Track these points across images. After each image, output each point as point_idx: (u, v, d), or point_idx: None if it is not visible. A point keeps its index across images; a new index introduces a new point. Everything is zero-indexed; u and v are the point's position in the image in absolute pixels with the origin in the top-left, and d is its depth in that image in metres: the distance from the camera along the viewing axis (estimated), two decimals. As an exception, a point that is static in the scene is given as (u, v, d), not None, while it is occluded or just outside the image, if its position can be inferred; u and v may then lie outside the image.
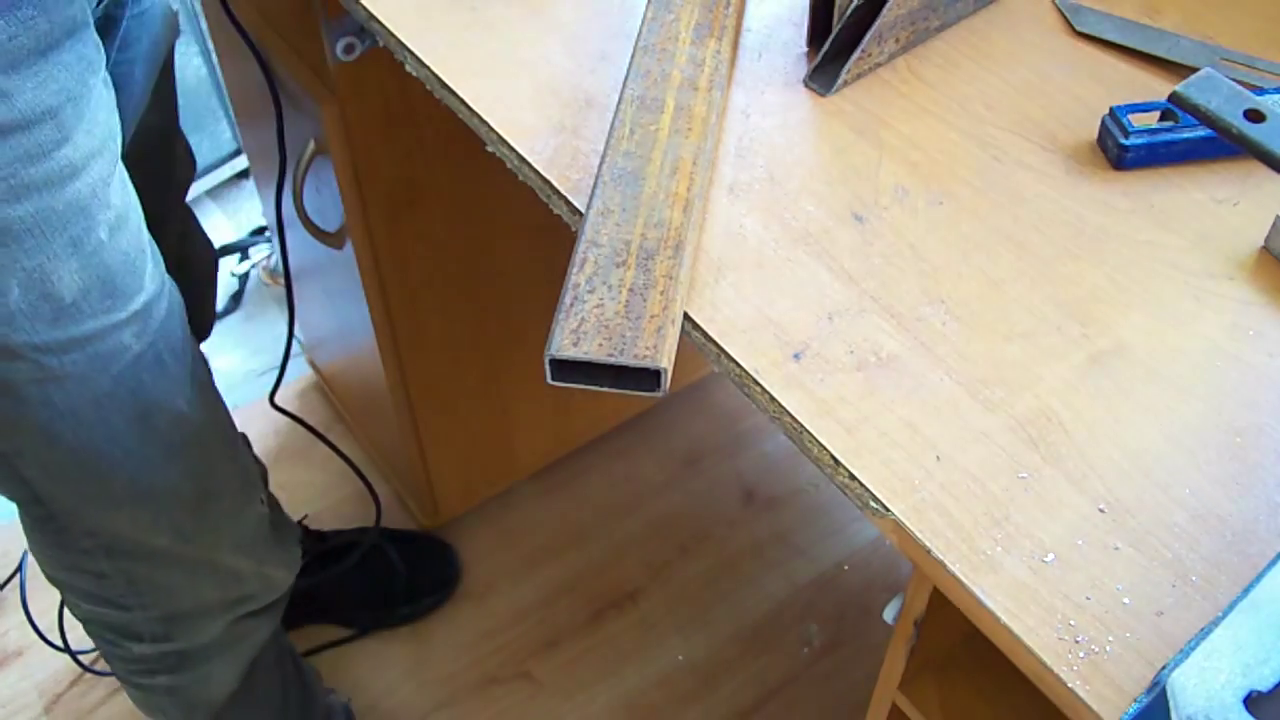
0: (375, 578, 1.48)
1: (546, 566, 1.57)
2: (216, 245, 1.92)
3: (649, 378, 0.64)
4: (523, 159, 0.77)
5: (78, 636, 1.38)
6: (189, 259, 1.00)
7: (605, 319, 0.64)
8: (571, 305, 0.65)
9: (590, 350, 0.63)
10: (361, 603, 1.47)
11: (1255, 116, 0.73)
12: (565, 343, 0.64)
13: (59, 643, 1.37)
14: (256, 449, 1.66)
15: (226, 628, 0.91)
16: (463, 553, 1.58)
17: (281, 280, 1.89)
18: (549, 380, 0.65)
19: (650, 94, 0.77)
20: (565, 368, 0.65)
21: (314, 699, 1.21)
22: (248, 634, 0.94)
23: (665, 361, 0.63)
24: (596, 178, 0.73)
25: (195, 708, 0.99)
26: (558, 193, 0.75)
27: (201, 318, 1.07)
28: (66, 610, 1.28)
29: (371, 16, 0.86)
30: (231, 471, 0.87)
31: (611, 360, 0.63)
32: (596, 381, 0.65)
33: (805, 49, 0.85)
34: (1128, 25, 0.86)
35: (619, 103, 0.77)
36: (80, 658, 1.41)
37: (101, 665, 1.44)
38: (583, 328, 0.64)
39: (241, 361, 1.86)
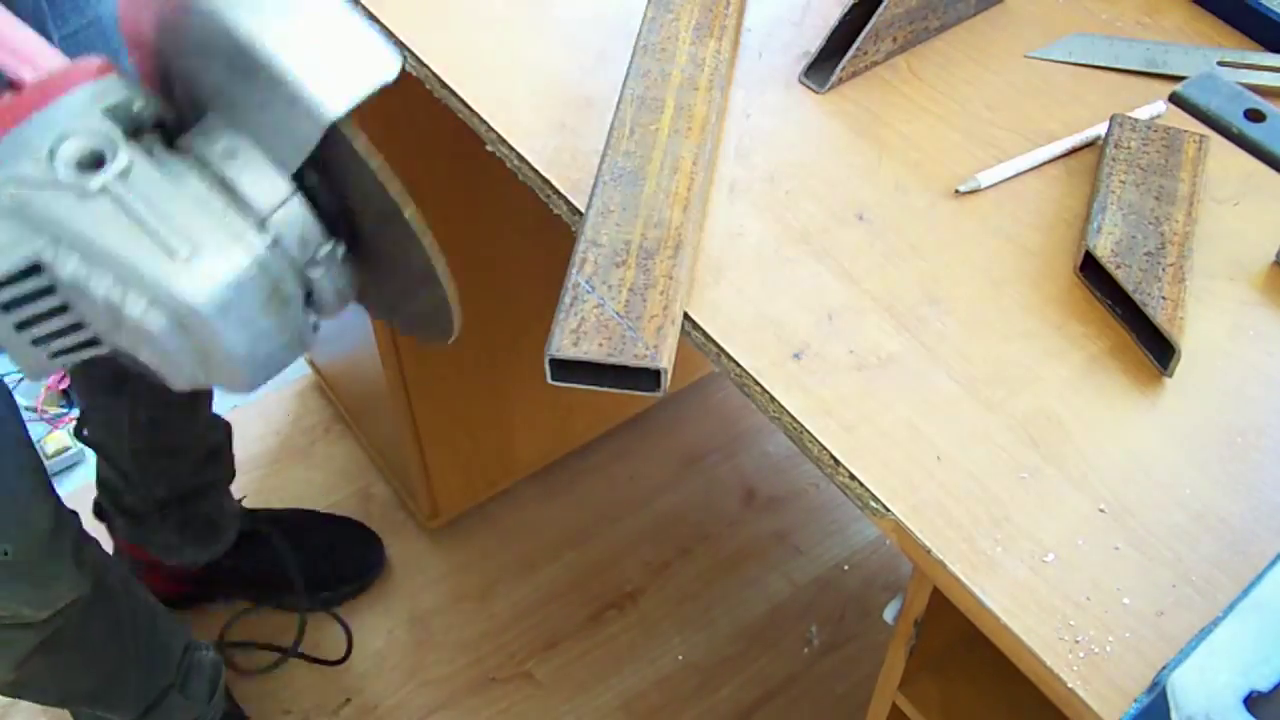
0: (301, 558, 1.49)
1: (546, 566, 1.57)
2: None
3: (649, 377, 0.64)
4: (523, 159, 0.77)
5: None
6: None
7: (605, 319, 0.64)
8: (571, 305, 0.65)
9: (590, 350, 0.63)
10: (274, 584, 1.47)
11: (1255, 116, 0.73)
12: (565, 343, 0.64)
13: None
14: (256, 448, 1.67)
15: None
16: (463, 553, 1.58)
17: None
18: (549, 380, 0.65)
19: (650, 94, 0.77)
20: (565, 367, 0.65)
21: (168, 654, 1.20)
22: (6, 643, 0.97)
23: (665, 361, 0.63)
24: (596, 177, 0.72)
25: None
26: (557, 192, 0.75)
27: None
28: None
29: (371, 16, 0.86)
30: None
31: (611, 360, 0.63)
32: (597, 381, 0.65)
33: (806, 49, 0.84)
34: (1118, 44, 0.86)
35: (619, 103, 0.77)
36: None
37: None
38: (583, 328, 0.64)
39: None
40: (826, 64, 0.82)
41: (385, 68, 0.38)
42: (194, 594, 1.47)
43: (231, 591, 1.48)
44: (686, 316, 0.68)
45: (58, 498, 0.94)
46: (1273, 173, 0.76)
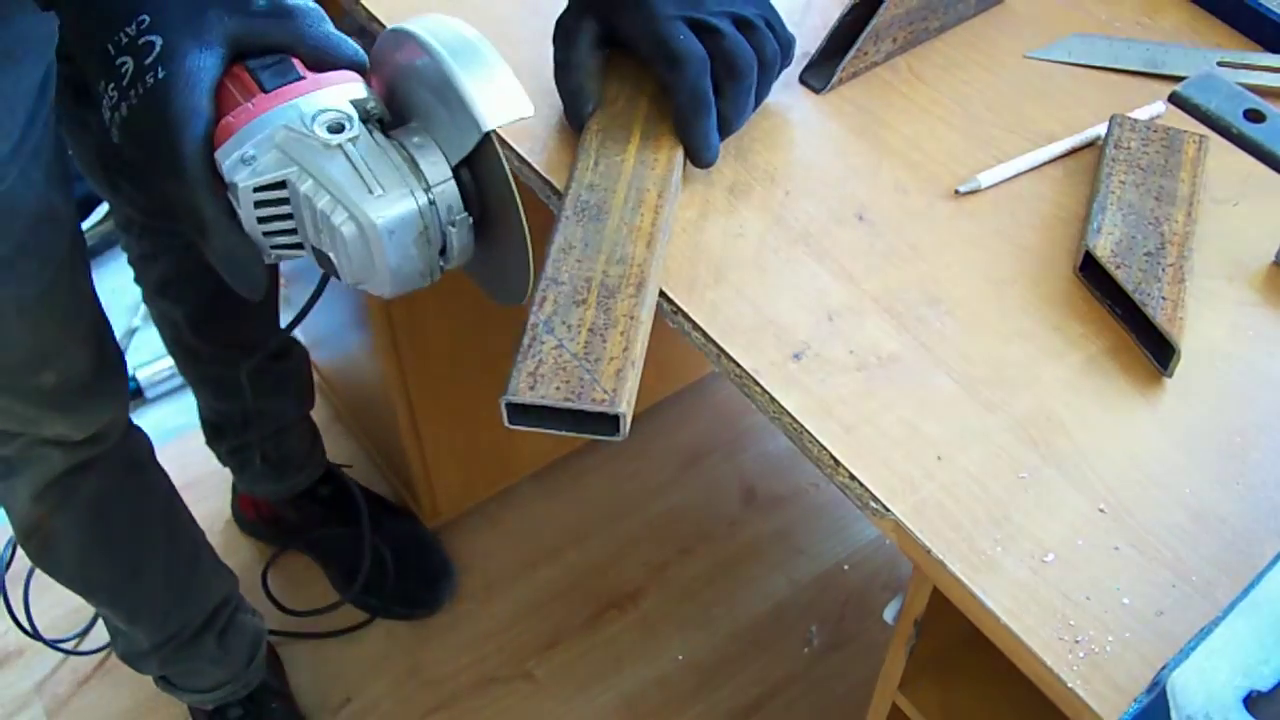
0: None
1: (547, 566, 1.57)
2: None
3: (608, 422, 0.62)
4: (523, 159, 0.77)
5: (45, 624, 1.41)
6: None
7: (564, 361, 0.63)
8: (530, 346, 0.64)
9: (548, 394, 0.61)
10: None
11: (1255, 116, 0.73)
12: (522, 386, 0.62)
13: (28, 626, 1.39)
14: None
15: (19, 450, 1.00)
16: (463, 553, 1.58)
17: (285, 281, 1.88)
18: (506, 424, 0.63)
19: (617, 121, 0.75)
20: (522, 411, 0.63)
21: (202, 588, 1.23)
22: (38, 459, 1.01)
23: (624, 406, 0.61)
24: (559, 212, 0.71)
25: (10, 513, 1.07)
26: (558, 193, 0.75)
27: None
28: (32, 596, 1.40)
29: (371, 17, 0.86)
30: None
31: (569, 405, 0.61)
32: (555, 425, 0.63)
33: (805, 49, 0.84)
34: (1117, 44, 0.86)
35: (583, 132, 0.75)
36: (50, 641, 1.42)
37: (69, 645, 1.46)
38: (540, 370, 0.62)
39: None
40: (827, 64, 0.82)
41: (525, 108, 0.60)
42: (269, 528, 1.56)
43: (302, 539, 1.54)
44: (686, 316, 0.68)
45: (113, 349, 1.00)
46: (1273, 173, 0.76)
